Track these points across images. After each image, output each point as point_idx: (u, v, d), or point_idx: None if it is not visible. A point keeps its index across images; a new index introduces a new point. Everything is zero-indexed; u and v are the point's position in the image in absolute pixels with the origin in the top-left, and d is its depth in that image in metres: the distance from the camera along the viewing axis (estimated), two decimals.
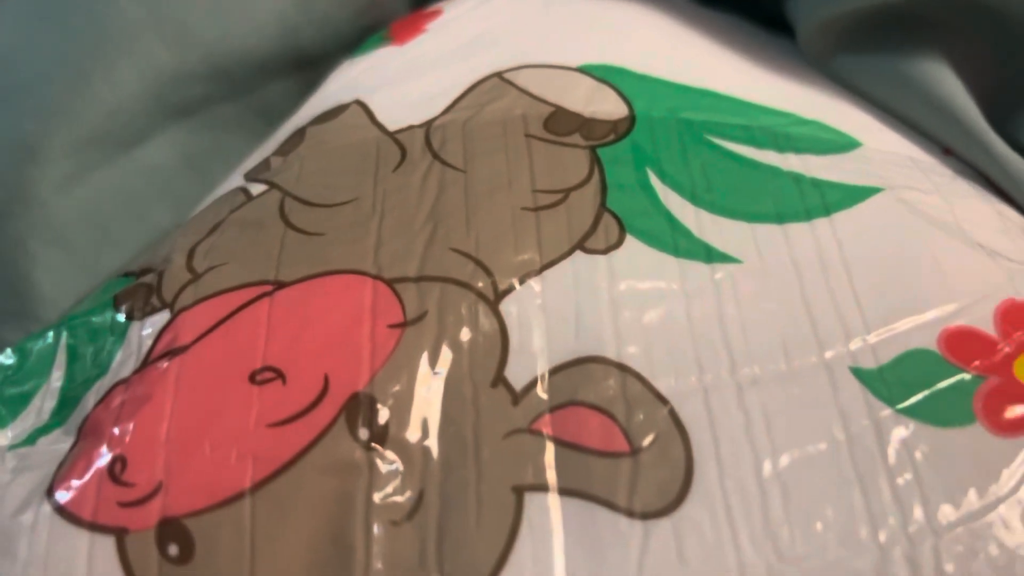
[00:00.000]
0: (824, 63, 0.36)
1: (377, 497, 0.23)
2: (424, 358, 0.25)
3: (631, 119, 0.31)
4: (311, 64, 0.39)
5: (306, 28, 0.38)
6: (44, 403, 0.27)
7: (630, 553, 0.23)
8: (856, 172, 0.31)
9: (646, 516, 0.23)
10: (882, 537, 0.23)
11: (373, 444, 0.24)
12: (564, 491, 0.23)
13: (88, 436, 0.25)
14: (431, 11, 0.39)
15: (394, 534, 0.23)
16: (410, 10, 0.41)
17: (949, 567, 0.22)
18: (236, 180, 0.32)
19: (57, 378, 0.27)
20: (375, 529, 0.23)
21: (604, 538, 0.23)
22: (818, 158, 0.31)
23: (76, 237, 0.35)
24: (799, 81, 0.35)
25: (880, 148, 0.33)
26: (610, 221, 0.28)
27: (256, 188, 0.31)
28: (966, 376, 0.25)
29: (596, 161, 0.30)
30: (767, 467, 0.24)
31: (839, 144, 0.32)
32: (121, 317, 0.27)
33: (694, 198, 0.29)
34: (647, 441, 0.24)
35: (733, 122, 0.32)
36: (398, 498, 0.23)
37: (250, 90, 0.38)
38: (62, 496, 0.24)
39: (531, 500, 0.23)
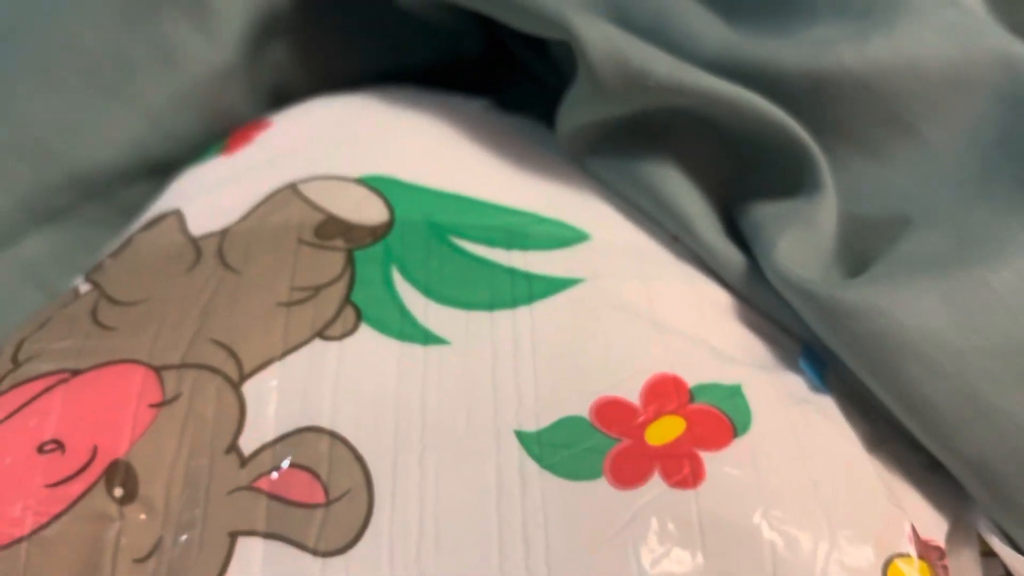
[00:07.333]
0: (580, 162, 0.43)
1: (124, 541, 0.30)
2: (174, 431, 0.32)
3: (390, 224, 0.38)
4: (164, 170, 0.46)
5: (156, 142, 0.46)
6: None
7: None
8: (568, 265, 0.37)
9: (327, 554, 0.30)
10: (507, 566, 0.29)
11: (125, 500, 0.30)
12: (268, 535, 0.30)
13: None
14: (262, 122, 0.46)
15: (136, 569, 0.30)
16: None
17: None
18: (78, 278, 0.40)
19: None
20: (120, 565, 0.30)
21: (290, 573, 0.29)
22: (541, 253, 0.38)
23: None
24: (555, 180, 0.42)
25: (609, 239, 0.39)
26: (350, 312, 0.35)
27: (84, 287, 0.38)
28: (604, 439, 0.32)
29: (351, 261, 0.37)
30: (429, 511, 0.30)
31: (566, 239, 0.39)
32: None
33: (427, 291, 0.36)
34: (340, 493, 0.31)
35: (475, 223, 0.39)
36: (141, 542, 0.30)
37: (109, 194, 0.46)
38: None
39: (242, 543, 0.30)
